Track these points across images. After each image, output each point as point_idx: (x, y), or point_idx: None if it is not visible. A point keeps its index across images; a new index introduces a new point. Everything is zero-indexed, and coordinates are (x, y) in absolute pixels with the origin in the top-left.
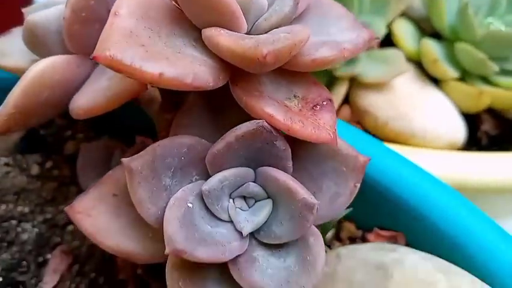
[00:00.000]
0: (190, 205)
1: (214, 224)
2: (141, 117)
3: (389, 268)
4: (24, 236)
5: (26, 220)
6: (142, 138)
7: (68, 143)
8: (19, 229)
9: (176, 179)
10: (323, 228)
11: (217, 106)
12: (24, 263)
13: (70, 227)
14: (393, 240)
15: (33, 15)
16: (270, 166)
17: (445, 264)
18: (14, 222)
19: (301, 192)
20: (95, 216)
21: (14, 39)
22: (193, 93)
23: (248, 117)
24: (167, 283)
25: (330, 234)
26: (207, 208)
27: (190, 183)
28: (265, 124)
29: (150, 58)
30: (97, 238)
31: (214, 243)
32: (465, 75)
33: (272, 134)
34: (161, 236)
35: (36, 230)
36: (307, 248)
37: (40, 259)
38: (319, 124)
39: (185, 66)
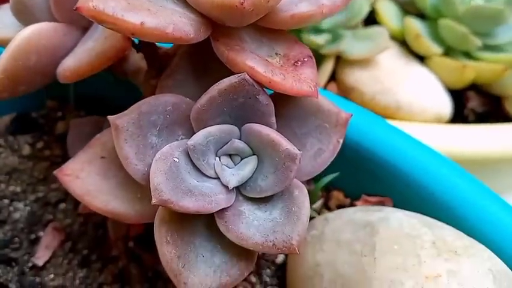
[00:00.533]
0: (176, 160)
1: (201, 179)
2: (130, 98)
3: (375, 225)
4: (17, 215)
5: (18, 199)
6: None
7: (58, 123)
8: (11, 208)
9: (163, 137)
10: (311, 196)
11: (200, 67)
12: (16, 239)
13: (62, 205)
14: (380, 204)
15: None
16: (254, 123)
17: (430, 219)
18: (6, 201)
19: (284, 143)
20: (84, 178)
21: (4, 14)
22: (177, 56)
23: (231, 74)
24: (156, 239)
25: (319, 203)
26: (193, 164)
27: (176, 141)
28: (247, 77)
29: (132, 9)
30: (86, 199)
31: (201, 194)
32: (449, 51)
33: (254, 87)
34: (149, 195)
35: (28, 208)
36: (292, 200)
37: (32, 236)
38: (300, 78)
39: (166, 17)
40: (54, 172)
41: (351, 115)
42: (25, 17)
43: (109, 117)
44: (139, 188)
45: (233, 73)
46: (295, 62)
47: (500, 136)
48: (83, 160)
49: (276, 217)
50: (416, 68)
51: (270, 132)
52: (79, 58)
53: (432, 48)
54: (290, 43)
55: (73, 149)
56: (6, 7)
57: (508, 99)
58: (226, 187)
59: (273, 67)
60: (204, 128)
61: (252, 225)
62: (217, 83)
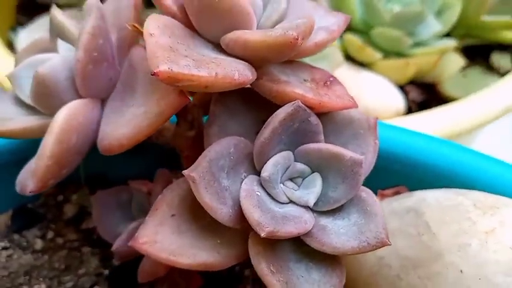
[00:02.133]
0: (258, 193)
1: (280, 206)
2: (130, 168)
3: (417, 208)
4: None
5: None
6: (162, 171)
7: (65, 207)
8: None
9: (231, 178)
10: None
11: (236, 108)
12: None
13: None
14: (397, 194)
15: (42, 68)
16: (306, 144)
17: (456, 190)
18: None
19: (347, 152)
20: (161, 240)
21: (5, 104)
22: (212, 104)
23: (274, 107)
24: (260, 272)
25: None
26: (268, 194)
27: (241, 181)
28: (301, 103)
29: (199, 65)
30: (171, 259)
31: (294, 218)
32: (386, 54)
33: (306, 111)
34: (230, 238)
35: None
36: (363, 202)
37: None
38: (338, 95)
39: (230, 66)
40: (130, 243)
41: (377, 118)
42: (48, 99)
43: (184, 172)
44: (217, 234)
45: (276, 105)
46: (324, 83)
47: (441, 118)
48: (154, 224)
49: (356, 221)
50: (367, 74)
51: (330, 147)
52: (134, 124)
53: (375, 55)
54: (309, 69)
55: (102, 223)
56: (4, 97)
57: (441, 83)
58: (304, 208)
59: (316, 91)
60: (268, 160)
61: (341, 234)
62: (273, 115)
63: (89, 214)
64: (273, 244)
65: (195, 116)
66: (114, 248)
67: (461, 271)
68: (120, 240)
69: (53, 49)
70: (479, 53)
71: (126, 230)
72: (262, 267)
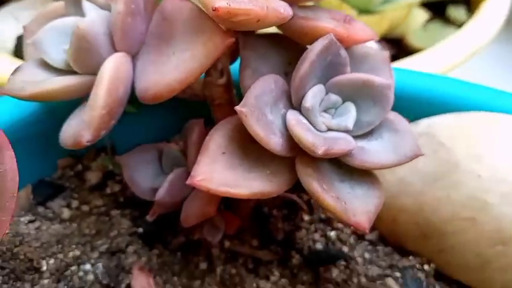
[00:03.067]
0: (305, 121)
1: (322, 134)
2: (137, 135)
3: (427, 131)
4: (90, 277)
5: (82, 262)
6: (195, 121)
7: (87, 175)
8: (81, 273)
9: (273, 113)
10: None
11: (264, 50)
12: None
13: (131, 248)
14: None
15: (81, 23)
16: (335, 76)
17: (459, 113)
18: (73, 268)
19: (377, 78)
20: (217, 176)
21: (31, 69)
22: (241, 49)
23: (294, 50)
24: (313, 193)
25: None
26: (310, 123)
27: (281, 115)
28: (333, 37)
29: (251, 1)
30: (231, 191)
31: (341, 139)
32: (359, 12)
33: (337, 45)
34: (278, 169)
35: (100, 265)
36: (392, 123)
37: (123, 286)
38: (361, 29)
39: (274, 3)
40: (188, 182)
41: (388, 52)
42: (87, 55)
43: (236, 108)
44: (266, 166)
45: (301, 47)
46: (344, 20)
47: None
48: (208, 162)
49: (389, 139)
50: None
51: (361, 75)
52: (183, 68)
53: (352, 11)
54: (326, 10)
55: (135, 182)
56: (25, 65)
57: (408, 35)
58: (343, 132)
59: (344, 25)
60: (306, 93)
61: (378, 152)
62: (309, 49)
63: (112, 179)
64: (318, 167)
65: (224, 64)
66: (157, 198)
67: (479, 176)
68: (163, 189)
69: (71, 14)
70: (437, 8)
71: (166, 181)
72: (315, 187)
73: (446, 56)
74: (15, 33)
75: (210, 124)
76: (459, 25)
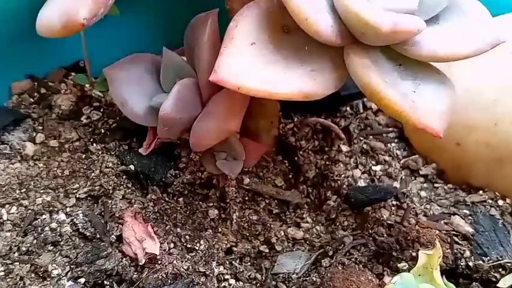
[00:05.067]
0: None
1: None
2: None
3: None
4: (66, 228)
5: (54, 211)
6: (202, 15)
7: (57, 100)
8: (54, 224)
9: None
10: None
11: None
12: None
13: (118, 193)
14: None
15: None
16: None
17: None
18: (43, 217)
19: None
20: (247, 71)
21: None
22: None
23: None
24: (358, 72)
25: None
26: None
27: None
28: None
29: None
30: (270, 90)
31: (406, 19)
32: None
33: None
34: (322, 65)
35: (78, 214)
36: (463, 6)
37: (113, 238)
38: None
39: None
40: (211, 79)
41: None
42: None
43: None
44: (307, 62)
45: None
46: None
47: None
48: (234, 53)
49: (461, 25)
50: None
51: None
52: None
53: None
54: None
55: (127, 101)
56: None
57: None
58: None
59: None
60: None
61: (452, 39)
62: None
63: (89, 104)
64: (376, 60)
65: None
66: (161, 113)
67: None
68: (168, 102)
69: None
70: None
71: (172, 92)
72: (376, 80)
73: None
74: None
75: None
76: None
